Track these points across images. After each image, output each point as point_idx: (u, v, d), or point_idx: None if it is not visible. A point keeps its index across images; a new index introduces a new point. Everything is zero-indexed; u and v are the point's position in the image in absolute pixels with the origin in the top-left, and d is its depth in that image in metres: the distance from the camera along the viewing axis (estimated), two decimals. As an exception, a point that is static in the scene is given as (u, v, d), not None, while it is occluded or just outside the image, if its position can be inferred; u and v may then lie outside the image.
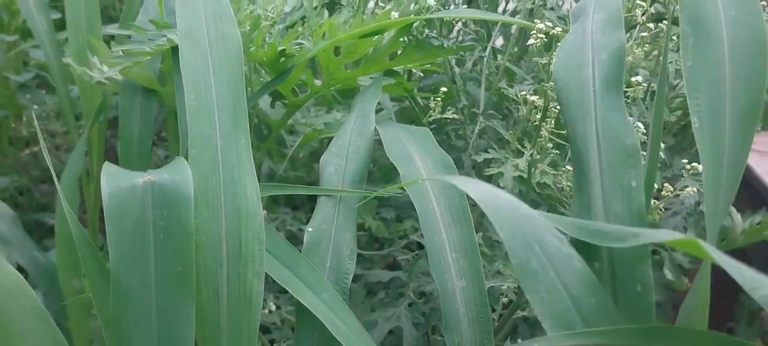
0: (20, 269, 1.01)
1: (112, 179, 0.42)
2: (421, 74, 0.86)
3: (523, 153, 0.72)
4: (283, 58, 0.68)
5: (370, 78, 0.73)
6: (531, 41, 0.65)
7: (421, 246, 0.89)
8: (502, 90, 0.88)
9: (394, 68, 0.74)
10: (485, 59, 0.92)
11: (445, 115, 0.83)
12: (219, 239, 0.45)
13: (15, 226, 0.96)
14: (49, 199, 1.21)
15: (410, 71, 0.90)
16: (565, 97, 0.49)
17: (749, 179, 0.92)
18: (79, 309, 0.89)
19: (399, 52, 0.72)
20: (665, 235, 0.34)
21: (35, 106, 1.12)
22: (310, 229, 0.56)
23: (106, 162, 0.45)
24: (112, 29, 0.98)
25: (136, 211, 0.41)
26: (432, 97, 0.82)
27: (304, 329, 0.50)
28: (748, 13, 0.45)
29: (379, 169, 1.02)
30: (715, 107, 0.42)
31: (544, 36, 0.64)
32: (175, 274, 0.41)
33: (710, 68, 0.43)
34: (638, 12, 0.65)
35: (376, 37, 0.69)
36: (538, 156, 0.69)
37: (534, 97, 0.69)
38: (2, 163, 1.19)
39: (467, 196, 0.55)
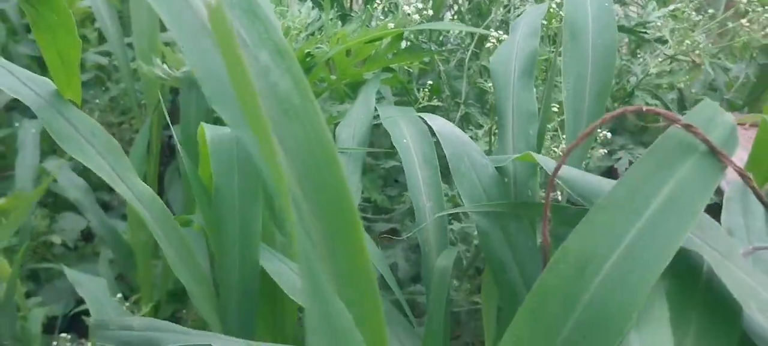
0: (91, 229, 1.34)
1: (212, 130, 0.75)
2: (410, 70, 1.18)
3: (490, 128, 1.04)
4: (308, 58, 1.00)
5: (373, 73, 1.06)
6: (488, 44, 0.98)
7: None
8: (479, 84, 1.20)
9: (392, 65, 1.07)
10: (467, 59, 1.25)
11: (431, 103, 1.15)
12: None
13: (88, 195, 1.30)
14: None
15: (409, 72, 1.23)
16: (497, 82, 0.81)
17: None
18: (145, 258, 1.22)
19: (395, 53, 1.05)
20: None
21: (97, 101, 1.46)
22: (329, 175, 0.88)
23: (203, 123, 0.78)
24: (167, 37, 1.32)
25: (227, 148, 0.73)
26: (421, 89, 1.14)
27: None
28: (606, 27, 0.77)
29: (382, 149, 1.34)
30: (579, 86, 0.74)
31: (496, 40, 0.96)
32: (249, 187, 0.73)
33: (578, 62, 0.75)
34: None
35: (377, 42, 1.02)
36: (496, 129, 1.01)
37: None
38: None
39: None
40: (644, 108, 0.48)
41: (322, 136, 0.42)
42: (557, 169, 0.52)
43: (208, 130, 0.75)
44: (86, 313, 0.89)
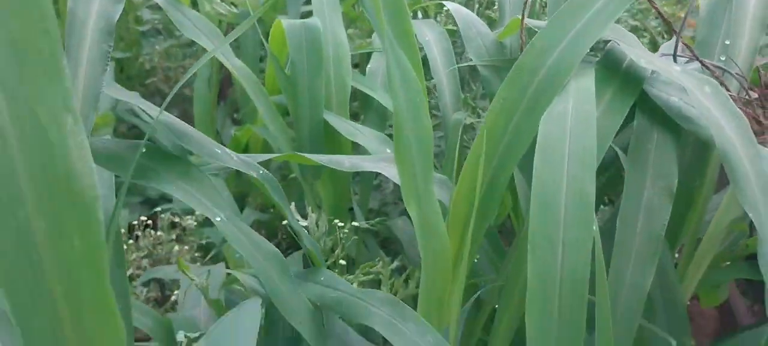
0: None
1: (287, 22, 1.08)
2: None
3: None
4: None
5: None
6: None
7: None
8: (487, 14, 1.53)
9: None
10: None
11: (447, 27, 1.48)
12: (328, 51, 1.10)
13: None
14: (163, 117, 1.89)
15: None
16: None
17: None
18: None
19: None
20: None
21: (157, 47, 1.81)
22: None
23: (279, 18, 1.10)
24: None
25: (298, 34, 1.06)
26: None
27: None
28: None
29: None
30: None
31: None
32: (315, 61, 1.06)
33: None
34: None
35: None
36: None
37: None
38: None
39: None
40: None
41: None
42: (524, 9, 0.85)
43: (284, 22, 1.08)
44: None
